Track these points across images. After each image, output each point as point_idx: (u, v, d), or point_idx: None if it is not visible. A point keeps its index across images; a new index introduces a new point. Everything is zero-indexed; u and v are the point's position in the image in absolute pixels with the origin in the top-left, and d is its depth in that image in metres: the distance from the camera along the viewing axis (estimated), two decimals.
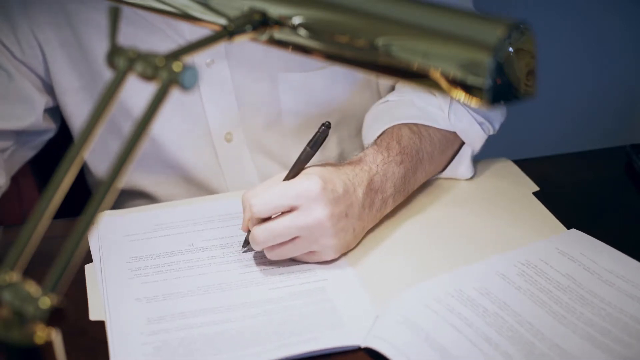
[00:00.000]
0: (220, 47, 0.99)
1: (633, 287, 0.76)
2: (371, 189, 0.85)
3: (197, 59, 0.99)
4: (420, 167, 0.92)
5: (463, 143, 0.98)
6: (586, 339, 0.70)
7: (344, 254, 0.84)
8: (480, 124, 0.97)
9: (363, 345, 0.71)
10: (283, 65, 1.01)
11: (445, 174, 0.98)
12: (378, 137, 0.93)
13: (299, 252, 0.81)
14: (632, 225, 0.90)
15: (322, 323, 0.73)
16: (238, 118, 1.03)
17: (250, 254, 0.84)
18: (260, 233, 0.79)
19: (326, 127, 0.84)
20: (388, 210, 0.89)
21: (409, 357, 0.67)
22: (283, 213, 0.80)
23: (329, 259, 0.83)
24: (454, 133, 0.96)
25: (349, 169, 0.85)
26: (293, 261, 0.83)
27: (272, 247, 0.81)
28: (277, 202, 0.80)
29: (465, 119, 0.96)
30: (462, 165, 0.98)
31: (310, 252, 0.82)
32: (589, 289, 0.76)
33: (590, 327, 0.71)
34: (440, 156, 0.96)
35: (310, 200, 0.79)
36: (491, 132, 0.99)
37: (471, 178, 0.98)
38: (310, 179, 0.80)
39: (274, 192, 0.80)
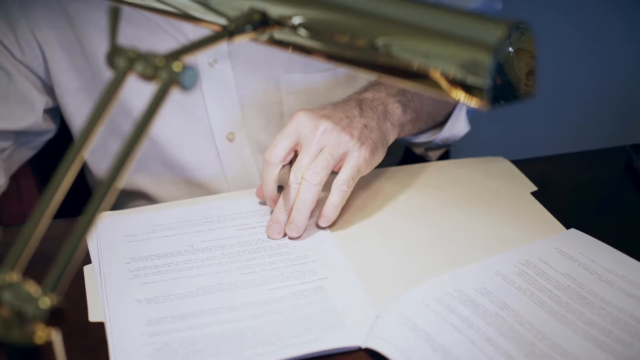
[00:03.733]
0: (223, 47, 0.99)
1: (633, 287, 0.76)
2: (362, 99, 0.91)
3: (199, 58, 1.00)
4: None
5: (455, 105, 1.02)
6: (586, 338, 0.70)
7: (343, 254, 0.84)
8: None
9: (363, 345, 0.71)
10: (285, 66, 1.01)
11: (444, 132, 1.02)
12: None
13: (332, 165, 0.85)
14: (632, 225, 0.90)
15: (322, 323, 0.73)
16: (240, 118, 1.03)
17: (250, 255, 0.84)
18: (312, 170, 0.83)
19: None
20: (398, 114, 0.93)
21: (410, 358, 0.67)
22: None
23: (360, 157, 0.86)
24: None
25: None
26: (293, 261, 0.83)
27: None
28: (280, 139, 0.85)
29: None
30: (459, 120, 1.02)
31: (343, 155, 0.86)
32: (588, 288, 0.76)
33: (591, 326, 0.71)
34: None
35: (308, 121, 0.85)
36: None
37: (469, 176, 0.98)
38: (295, 114, 0.86)
39: (275, 138, 0.86)
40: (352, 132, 0.86)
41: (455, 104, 1.03)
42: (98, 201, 0.44)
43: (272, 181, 0.86)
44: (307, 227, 0.88)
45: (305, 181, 0.83)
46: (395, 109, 0.93)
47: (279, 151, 0.85)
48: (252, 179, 1.06)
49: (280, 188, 0.87)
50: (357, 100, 0.91)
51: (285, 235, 0.86)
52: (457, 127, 1.03)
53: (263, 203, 0.92)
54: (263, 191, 0.87)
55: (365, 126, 0.88)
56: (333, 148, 0.85)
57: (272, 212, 0.88)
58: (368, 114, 0.90)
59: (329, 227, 0.88)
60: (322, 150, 0.85)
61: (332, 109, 0.88)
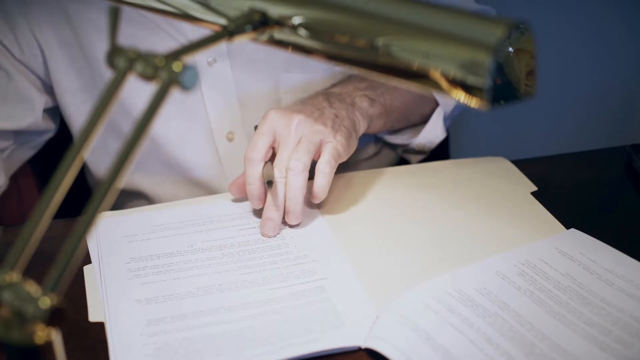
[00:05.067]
0: (223, 46, 0.99)
1: (633, 287, 0.76)
2: (329, 93, 0.94)
3: (199, 58, 1.00)
4: (389, 84, 0.98)
5: (435, 108, 1.04)
6: (586, 338, 0.70)
7: (344, 254, 0.84)
8: None
9: (363, 345, 0.71)
10: (285, 66, 1.01)
11: (422, 136, 1.05)
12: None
13: (312, 151, 0.86)
14: (632, 225, 0.90)
15: (322, 324, 0.73)
16: (239, 117, 1.03)
17: (250, 255, 0.84)
18: (293, 163, 0.84)
19: None
20: (365, 106, 0.95)
21: (410, 358, 0.67)
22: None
23: (338, 143, 0.87)
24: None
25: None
26: (293, 261, 0.83)
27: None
28: (258, 137, 0.86)
29: None
30: (436, 127, 1.04)
31: (319, 145, 0.87)
32: (588, 288, 0.76)
33: (591, 326, 0.71)
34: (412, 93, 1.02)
35: (281, 118, 0.87)
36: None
37: (469, 176, 0.98)
38: (266, 114, 0.88)
39: (252, 138, 0.87)
40: (325, 122, 0.88)
41: (433, 106, 1.06)
42: (98, 201, 0.44)
43: (257, 179, 0.86)
44: (307, 227, 0.88)
45: (291, 170, 0.85)
46: (363, 102, 0.96)
47: (260, 148, 0.86)
48: None
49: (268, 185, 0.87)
50: (325, 94, 0.94)
51: (279, 231, 0.87)
52: (433, 133, 1.06)
53: (238, 200, 0.93)
54: (248, 191, 0.88)
55: (336, 116, 0.90)
56: (310, 136, 0.87)
57: (252, 210, 0.89)
58: (337, 105, 0.92)
59: (329, 227, 0.88)
60: (299, 140, 0.86)
61: (302, 104, 0.91)
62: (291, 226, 0.88)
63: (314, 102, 0.91)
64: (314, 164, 0.87)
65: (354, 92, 0.96)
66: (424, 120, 1.06)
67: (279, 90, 1.03)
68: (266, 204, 0.87)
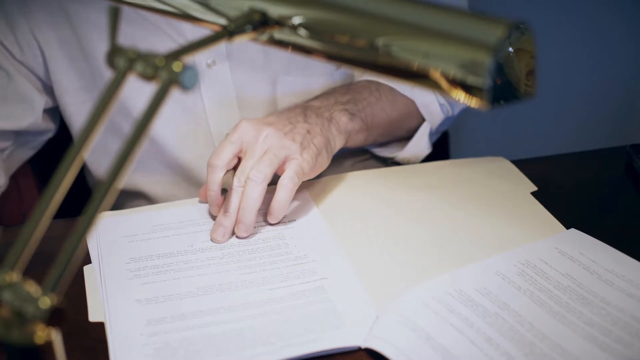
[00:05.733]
0: (222, 48, 0.99)
1: (633, 287, 0.76)
2: (308, 106, 0.93)
3: (198, 59, 1.00)
4: (372, 98, 0.99)
5: (422, 122, 1.05)
6: (586, 338, 0.70)
7: (344, 254, 0.84)
8: (441, 105, 1.04)
9: (363, 345, 0.71)
10: (283, 68, 1.01)
11: (407, 150, 1.05)
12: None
13: (275, 165, 0.85)
14: (632, 225, 0.90)
15: (322, 323, 0.73)
16: (238, 119, 1.03)
17: (250, 255, 0.84)
18: (254, 172, 0.84)
19: None
20: (344, 122, 0.95)
21: (410, 358, 0.67)
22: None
23: (303, 161, 0.87)
24: (414, 105, 1.03)
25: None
26: (293, 261, 0.83)
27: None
28: (225, 145, 0.86)
29: (428, 96, 1.02)
30: (421, 142, 1.04)
31: (284, 161, 0.86)
32: (588, 288, 0.76)
33: (591, 326, 0.71)
34: (397, 104, 1.02)
35: (251, 128, 0.87)
36: (450, 115, 1.06)
37: (469, 176, 0.98)
38: (239, 123, 0.88)
39: (219, 145, 0.87)
40: (295, 137, 0.87)
41: (420, 120, 1.05)
42: (98, 201, 0.44)
43: (216, 185, 0.86)
44: (307, 227, 0.88)
45: (250, 180, 0.84)
46: (341, 117, 0.95)
47: (224, 155, 0.86)
48: None
49: (224, 192, 0.87)
50: (303, 107, 0.93)
51: (230, 237, 0.86)
52: (418, 148, 1.05)
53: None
54: (207, 196, 0.87)
55: (309, 132, 0.89)
56: (276, 150, 0.86)
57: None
58: (312, 120, 0.91)
59: (329, 227, 0.88)
60: (265, 152, 0.86)
61: (276, 117, 0.90)
62: (239, 237, 0.86)
63: (289, 115, 0.90)
64: (275, 178, 0.87)
65: (334, 105, 0.95)
66: (410, 134, 1.06)
67: (277, 92, 1.03)
68: (221, 210, 0.86)
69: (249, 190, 0.84)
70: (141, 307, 0.77)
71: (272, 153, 0.85)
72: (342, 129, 0.94)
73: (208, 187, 0.87)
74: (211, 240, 0.86)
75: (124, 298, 0.78)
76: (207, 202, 0.90)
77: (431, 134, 1.06)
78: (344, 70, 1.06)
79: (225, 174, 0.87)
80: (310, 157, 0.88)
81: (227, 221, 0.85)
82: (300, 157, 0.87)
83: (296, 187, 0.87)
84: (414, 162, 1.07)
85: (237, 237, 0.87)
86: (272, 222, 0.88)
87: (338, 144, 0.94)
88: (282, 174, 0.87)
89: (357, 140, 0.99)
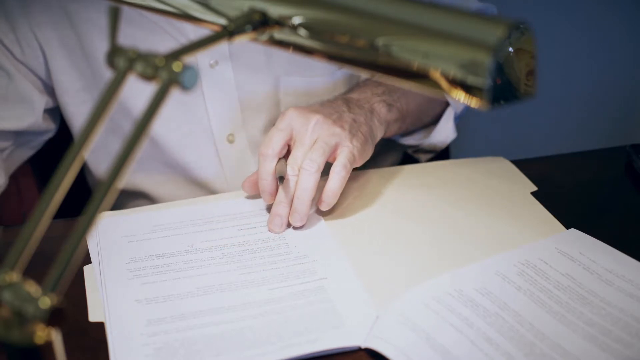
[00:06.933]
0: (224, 48, 0.99)
1: (633, 287, 0.76)
2: (348, 98, 0.94)
3: (200, 60, 1.00)
4: (404, 90, 0.99)
5: (445, 108, 1.05)
6: (586, 338, 0.70)
7: (344, 254, 0.84)
8: None
9: (363, 345, 0.71)
10: (285, 69, 1.01)
11: (433, 136, 1.05)
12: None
13: (327, 153, 0.86)
14: (632, 225, 0.90)
15: (322, 323, 0.73)
16: (240, 119, 1.03)
17: (250, 255, 0.84)
18: (308, 161, 0.84)
19: None
20: (383, 113, 0.95)
21: (410, 358, 0.67)
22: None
23: (354, 147, 0.87)
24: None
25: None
26: (293, 261, 0.83)
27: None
28: (275, 133, 0.86)
29: None
30: (447, 127, 1.05)
31: (335, 148, 0.87)
32: (588, 288, 0.76)
33: (591, 326, 0.71)
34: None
35: (299, 116, 0.87)
36: None
37: (469, 176, 0.98)
38: (286, 111, 0.88)
39: (268, 134, 0.87)
40: (343, 125, 0.88)
41: (443, 107, 1.06)
42: (98, 201, 0.44)
43: (270, 174, 0.87)
44: (307, 227, 0.88)
45: (304, 170, 0.84)
46: (381, 108, 0.96)
47: (275, 144, 0.86)
48: None
49: (280, 181, 0.87)
50: (344, 99, 0.94)
51: (287, 228, 0.87)
52: (444, 133, 1.06)
53: (252, 197, 0.93)
54: (260, 185, 0.88)
55: (355, 120, 0.90)
56: (327, 137, 0.86)
57: (267, 207, 0.89)
58: (356, 110, 0.92)
59: (329, 227, 0.88)
60: (316, 141, 0.86)
61: (320, 106, 0.91)
62: (295, 228, 0.88)
63: (333, 105, 0.91)
64: (327, 167, 0.87)
65: (371, 98, 0.96)
66: (435, 120, 1.07)
67: (279, 92, 1.03)
68: (276, 199, 0.87)
69: (303, 180, 0.84)
70: (141, 307, 0.77)
71: (323, 141, 0.86)
72: (382, 120, 0.95)
73: (260, 176, 0.87)
74: (269, 231, 0.87)
75: (124, 298, 0.78)
76: (252, 194, 0.91)
77: (455, 118, 1.06)
78: (345, 70, 1.06)
79: (277, 162, 0.87)
80: (360, 144, 0.89)
81: (283, 210, 0.86)
82: (351, 144, 0.87)
83: (348, 175, 0.87)
84: (440, 149, 1.08)
85: (293, 227, 0.87)
86: (323, 209, 0.88)
87: (379, 135, 0.95)
88: (332, 161, 0.87)
89: (393, 130, 1.00)
